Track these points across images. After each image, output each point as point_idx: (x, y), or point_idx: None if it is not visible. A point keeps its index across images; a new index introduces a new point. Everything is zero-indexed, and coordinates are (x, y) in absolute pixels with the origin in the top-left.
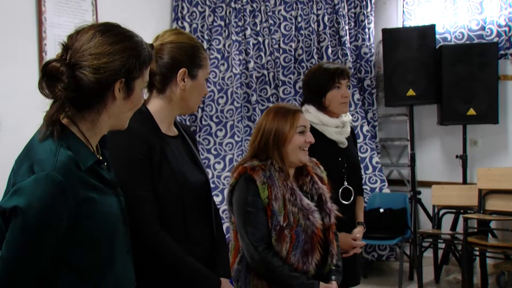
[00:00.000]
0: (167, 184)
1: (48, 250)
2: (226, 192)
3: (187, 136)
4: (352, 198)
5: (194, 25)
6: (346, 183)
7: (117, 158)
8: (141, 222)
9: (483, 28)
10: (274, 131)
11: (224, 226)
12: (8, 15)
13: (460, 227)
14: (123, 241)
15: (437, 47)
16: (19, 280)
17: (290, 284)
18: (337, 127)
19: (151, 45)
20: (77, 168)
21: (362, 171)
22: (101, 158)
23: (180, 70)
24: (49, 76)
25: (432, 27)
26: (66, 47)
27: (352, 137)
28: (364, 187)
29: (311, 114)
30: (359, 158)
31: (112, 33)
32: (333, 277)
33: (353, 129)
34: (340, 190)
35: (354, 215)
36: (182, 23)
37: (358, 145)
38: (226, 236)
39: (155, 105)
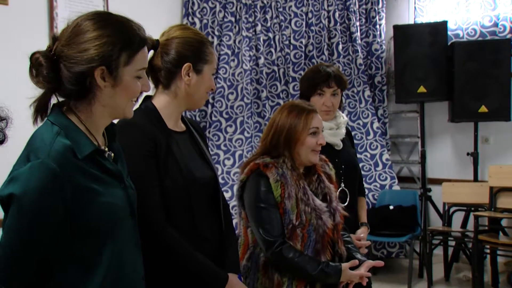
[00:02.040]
0: (174, 179)
1: (45, 237)
2: (235, 187)
3: (195, 131)
4: (348, 199)
5: (205, 21)
6: (343, 185)
7: (124, 153)
8: (148, 218)
9: (496, 25)
10: (287, 129)
11: (234, 222)
12: (20, 10)
13: (470, 225)
14: (131, 234)
15: (449, 43)
16: (17, 266)
17: (311, 273)
18: (331, 129)
19: (156, 39)
20: (74, 157)
21: (372, 169)
22: (106, 149)
23: (185, 65)
24: (32, 67)
25: (444, 23)
26: (54, 39)
27: (349, 138)
28: (374, 183)
29: None
30: (369, 155)
31: (94, 21)
32: (359, 255)
33: (349, 130)
34: (337, 192)
35: (356, 216)
36: (192, 18)
37: (368, 142)
38: (236, 232)
39: (161, 101)
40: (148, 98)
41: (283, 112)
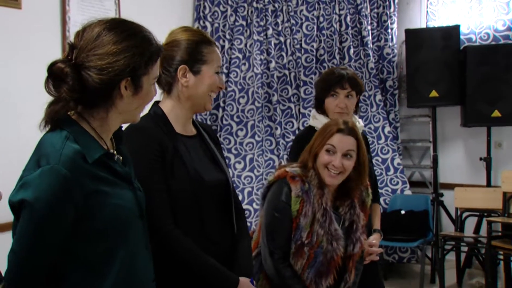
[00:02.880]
0: (181, 182)
1: (56, 241)
2: (256, 187)
3: (208, 135)
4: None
5: (216, 25)
6: None
7: (131, 157)
8: (155, 220)
9: (509, 29)
10: (312, 142)
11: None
12: (33, 14)
13: (483, 231)
14: (140, 235)
15: (461, 48)
16: (29, 272)
17: None
18: None
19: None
20: (84, 161)
21: (383, 173)
22: (115, 152)
23: (179, 67)
24: (54, 77)
25: (457, 27)
26: (72, 46)
27: (365, 143)
28: (385, 188)
29: (317, 121)
30: (381, 159)
31: (117, 31)
32: None
33: (365, 136)
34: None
35: (369, 222)
36: (204, 22)
37: (379, 146)
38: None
39: (167, 106)
40: (156, 103)
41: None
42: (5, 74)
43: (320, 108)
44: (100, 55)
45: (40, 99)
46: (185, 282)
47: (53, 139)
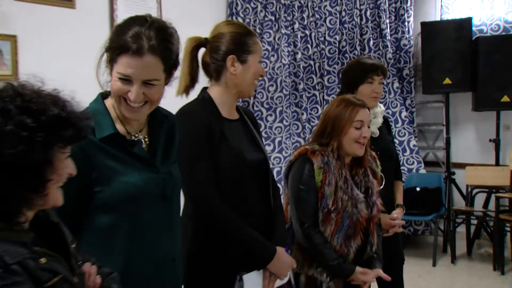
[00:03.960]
0: (227, 161)
1: (72, 198)
2: (284, 167)
3: (249, 119)
4: (383, 183)
5: (247, 20)
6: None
7: (181, 138)
8: (203, 194)
9: None
10: (334, 119)
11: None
12: (86, 13)
13: (492, 205)
14: (161, 217)
15: (473, 38)
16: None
17: (328, 263)
18: None
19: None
20: (93, 135)
21: (400, 154)
22: (139, 135)
23: (229, 57)
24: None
25: (469, 19)
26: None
27: (386, 126)
28: (402, 167)
29: None
30: (398, 141)
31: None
32: (377, 266)
33: (386, 118)
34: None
35: (392, 198)
36: (236, 18)
37: (397, 129)
38: None
39: (215, 92)
40: (205, 89)
41: (334, 104)
42: (63, 66)
43: (352, 94)
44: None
45: (94, 89)
46: (227, 252)
47: None
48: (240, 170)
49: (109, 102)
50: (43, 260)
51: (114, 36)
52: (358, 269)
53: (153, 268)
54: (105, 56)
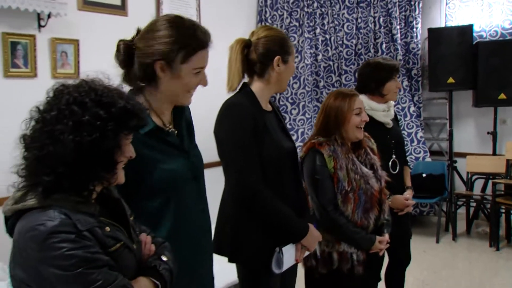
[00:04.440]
0: (269, 150)
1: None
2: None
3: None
4: (398, 168)
5: (274, 25)
6: (394, 157)
7: (230, 126)
8: (250, 181)
9: None
10: (335, 111)
11: None
12: (137, 19)
13: (489, 190)
14: (195, 194)
15: (474, 43)
16: None
17: (353, 238)
18: (384, 111)
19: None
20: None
21: (409, 144)
22: (170, 126)
23: (276, 58)
24: (116, 52)
25: (470, 26)
26: (137, 31)
27: (395, 118)
28: (410, 156)
29: (375, 111)
30: (406, 133)
31: (165, 24)
32: (385, 230)
33: (395, 112)
34: (390, 162)
35: (402, 181)
36: (265, 23)
37: (406, 122)
38: None
39: (256, 87)
40: (246, 85)
41: (331, 99)
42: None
43: (378, 91)
44: (145, 39)
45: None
46: (268, 229)
47: None
48: (279, 157)
49: (142, 99)
50: (107, 228)
51: (186, 39)
52: (377, 238)
53: (191, 240)
54: (157, 64)
